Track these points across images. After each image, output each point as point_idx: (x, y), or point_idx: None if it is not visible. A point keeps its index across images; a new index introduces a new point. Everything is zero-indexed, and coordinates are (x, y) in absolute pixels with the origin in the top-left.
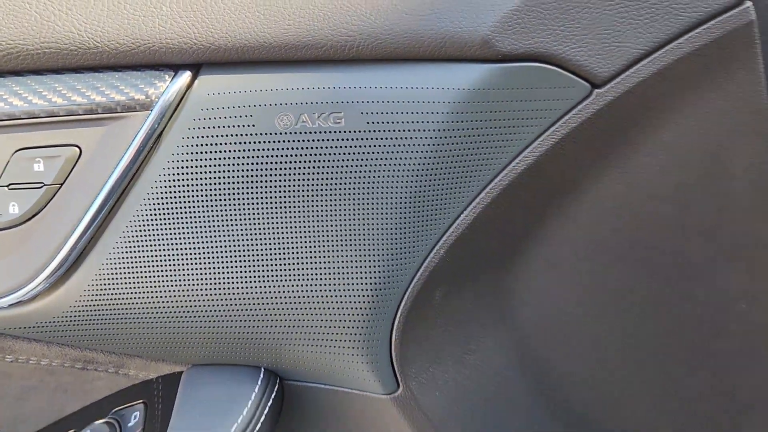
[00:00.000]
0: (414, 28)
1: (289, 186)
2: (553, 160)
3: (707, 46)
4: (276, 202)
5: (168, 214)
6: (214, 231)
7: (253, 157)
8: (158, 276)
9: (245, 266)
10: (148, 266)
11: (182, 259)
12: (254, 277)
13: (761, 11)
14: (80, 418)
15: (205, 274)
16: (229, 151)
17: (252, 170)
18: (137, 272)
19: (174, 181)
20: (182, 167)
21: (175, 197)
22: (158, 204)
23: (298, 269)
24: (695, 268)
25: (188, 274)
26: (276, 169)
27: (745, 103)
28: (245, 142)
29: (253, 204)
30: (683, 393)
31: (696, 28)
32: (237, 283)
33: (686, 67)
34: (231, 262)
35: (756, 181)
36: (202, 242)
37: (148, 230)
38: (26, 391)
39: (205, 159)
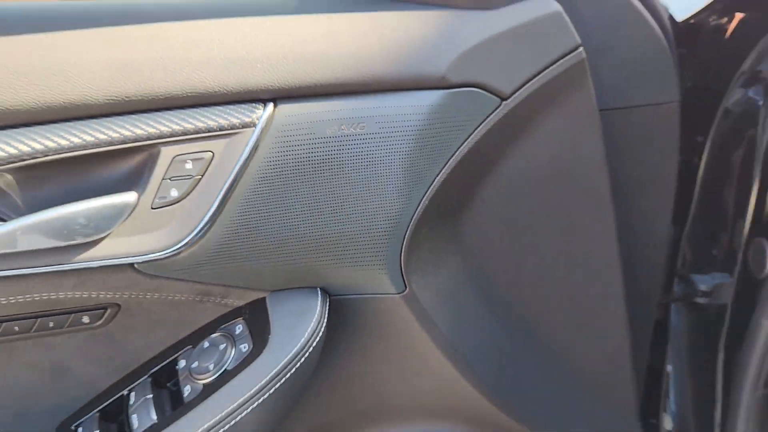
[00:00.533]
0: (403, 71)
1: (336, 166)
2: (482, 147)
3: (560, 74)
4: (327, 176)
5: (264, 189)
6: (291, 196)
7: (312, 151)
8: (259, 229)
9: (313, 217)
10: (254, 223)
11: (273, 216)
12: (319, 223)
13: (587, 53)
14: (196, 337)
15: (287, 224)
16: (299, 149)
17: (313, 159)
18: (247, 228)
19: (267, 169)
20: (271, 161)
21: (268, 179)
22: (258, 184)
23: (344, 216)
24: (564, 217)
25: (276, 226)
26: (327, 157)
27: (585, 107)
28: (308, 143)
29: (313, 178)
30: (563, 289)
31: (553, 64)
32: (307, 228)
33: (550, 86)
34: (302, 215)
35: (594, 158)
36: (284, 204)
37: (253, 202)
38: (154, 323)
39: (285, 155)
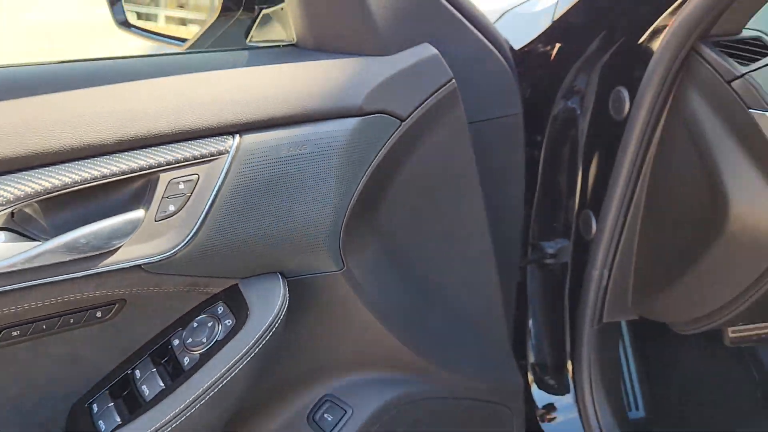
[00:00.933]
0: (331, 104)
1: (288, 179)
2: (389, 157)
3: (440, 100)
4: (283, 187)
5: (237, 200)
6: (257, 203)
7: (270, 169)
8: (234, 231)
9: (273, 218)
10: (230, 226)
11: (244, 220)
12: (278, 222)
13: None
14: (183, 320)
15: (254, 225)
16: (260, 168)
17: (271, 174)
18: (226, 230)
19: (239, 185)
20: (242, 178)
21: (240, 192)
22: (233, 196)
23: (296, 215)
24: (449, 205)
25: (247, 227)
26: (281, 173)
27: (458, 123)
28: (267, 163)
29: (273, 189)
30: (451, 258)
31: (435, 92)
32: (269, 227)
33: (433, 109)
34: (266, 217)
35: (466, 159)
36: (252, 210)
37: (229, 210)
38: (152, 312)
39: (251, 173)
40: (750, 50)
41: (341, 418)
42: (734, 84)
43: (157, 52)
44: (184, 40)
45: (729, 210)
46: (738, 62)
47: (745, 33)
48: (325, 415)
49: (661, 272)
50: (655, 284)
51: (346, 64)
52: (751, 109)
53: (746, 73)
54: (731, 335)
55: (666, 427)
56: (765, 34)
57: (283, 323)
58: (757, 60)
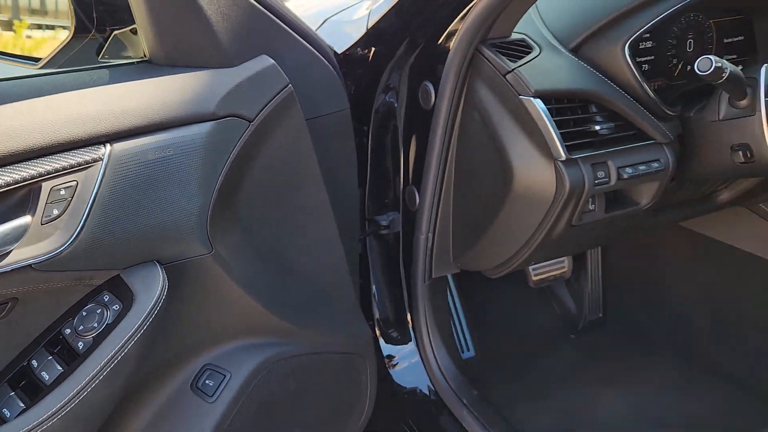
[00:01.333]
0: (188, 111)
1: (157, 178)
2: (242, 153)
3: (280, 103)
4: (153, 186)
5: (113, 201)
6: (131, 202)
7: (141, 171)
8: (113, 227)
9: (146, 213)
10: (109, 224)
11: (120, 217)
12: (151, 217)
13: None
14: (72, 311)
15: (130, 221)
16: (132, 171)
17: (142, 176)
18: (105, 228)
19: (114, 187)
20: (115, 181)
21: (115, 194)
22: (109, 198)
23: (167, 209)
24: (296, 191)
25: (124, 223)
26: (151, 174)
27: (297, 121)
28: (137, 166)
29: (144, 188)
30: (303, 236)
31: (275, 97)
32: (143, 221)
33: (276, 111)
34: (140, 213)
35: (307, 152)
36: (127, 208)
37: (107, 210)
38: (42, 307)
39: (124, 176)
40: (517, 50)
41: (221, 382)
42: (507, 77)
43: (16, 75)
44: (37, 60)
45: (513, 175)
46: (509, 59)
47: (514, 36)
48: (207, 381)
49: (471, 231)
50: (468, 241)
51: (197, 77)
52: (520, 95)
53: (515, 68)
54: (534, 278)
55: (492, 362)
56: (528, 36)
57: (165, 303)
58: (523, 57)
